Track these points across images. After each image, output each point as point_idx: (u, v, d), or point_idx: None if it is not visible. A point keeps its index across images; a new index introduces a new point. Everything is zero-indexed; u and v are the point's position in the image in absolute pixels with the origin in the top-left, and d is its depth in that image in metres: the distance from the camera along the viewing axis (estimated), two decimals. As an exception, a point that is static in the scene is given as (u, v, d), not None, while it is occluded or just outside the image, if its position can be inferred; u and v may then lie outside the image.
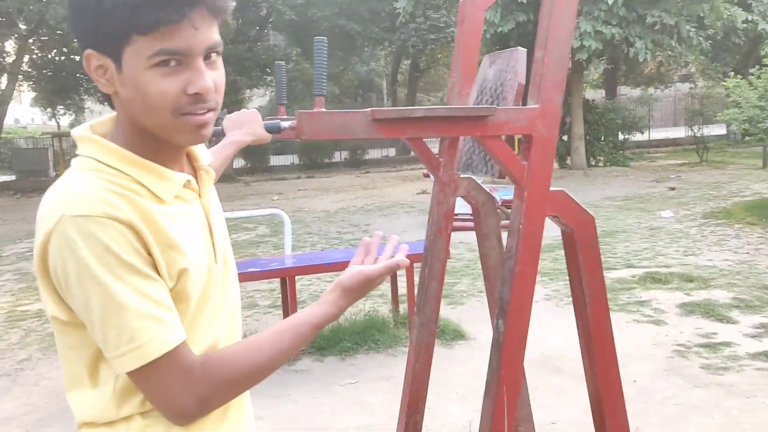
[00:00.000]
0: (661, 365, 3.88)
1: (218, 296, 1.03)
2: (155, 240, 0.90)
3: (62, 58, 22.09)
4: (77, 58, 22.23)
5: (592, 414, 2.29)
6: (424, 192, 13.55)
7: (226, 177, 20.80)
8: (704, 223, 8.54)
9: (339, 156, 24.39)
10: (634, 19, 12.28)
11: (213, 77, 0.94)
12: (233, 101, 21.21)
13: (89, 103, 25.90)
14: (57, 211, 0.87)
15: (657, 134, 25.93)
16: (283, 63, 2.17)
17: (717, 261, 6.42)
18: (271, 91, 28.94)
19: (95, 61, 0.92)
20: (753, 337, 4.23)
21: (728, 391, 3.45)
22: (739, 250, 6.88)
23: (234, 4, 0.97)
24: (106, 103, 0.99)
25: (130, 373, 0.89)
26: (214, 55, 0.95)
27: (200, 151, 1.10)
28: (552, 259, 6.88)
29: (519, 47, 2.14)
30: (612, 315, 5.09)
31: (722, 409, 3.26)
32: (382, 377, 3.89)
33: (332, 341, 4.33)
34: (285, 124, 1.73)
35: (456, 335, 4.57)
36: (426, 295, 2.66)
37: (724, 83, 10.38)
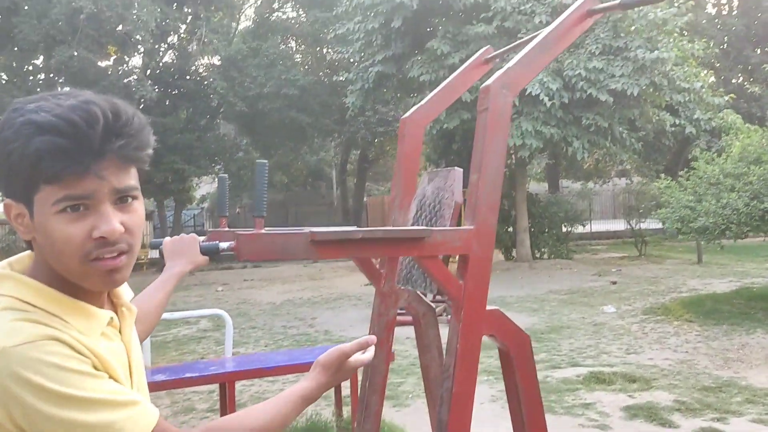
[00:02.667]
0: (606, 473, 3.82)
1: None
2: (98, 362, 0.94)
3: None
4: None
5: None
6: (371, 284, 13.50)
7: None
8: (645, 320, 8.72)
9: (287, 244, 24.20)
10: (571, 121, 12.98)
11: (123, 220, 0.96)
12: (180, 189, 21.09)
13: None
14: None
15: (598, 227, 26.89)
16: (225, 176, 2.17)
17: (658, 360, 6.52)
18: (221, 179, 28.90)
19: (14, 209, 0.97)
20: (694, 440, 4.24)
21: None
22: (679, 348, 7.02)
23: (150, 150, 0.99)
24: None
25: None
26: (129, 198, 0.97)
27: (122, 287, 1.10)
28: (498, 356, 6.86)
29: (456, 167, 2.21)
30: (558, 418, 5.02)
31: None
32: (322, 491, 3.69)
33: (271, 451, 4.12)
34: (224, 245, 1.71)
35: (401, 441, 4.43)
36: (366, 409, 2.58)
37: (656, 182, 10.92)
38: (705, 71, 14.97)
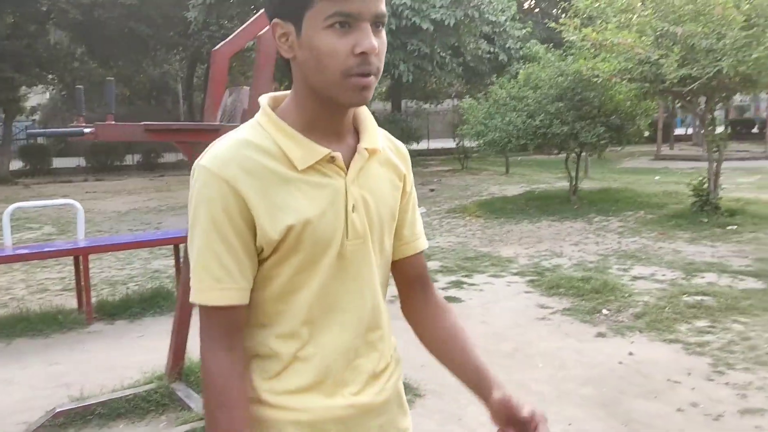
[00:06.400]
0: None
1: (340, 268, 1.10)
2: (260, 200, 1.03)
3: None
4: None
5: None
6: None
7: (2, 179, 19.63)
8: (445, 217, 10.60)
9: (131, 159, 24.03)
10: (398, 46, 14.38)
11: (376, 43, 1.02)
12: (10, 99, 20.07)
13: None
14: (199, 158, 1.07)
15: (436, 144, 29.25)
16: (112, 79, 3.13)
17: (443, 243, 8.30)
18: (52, 89, 27.56)
19: (280, 29, 1.05)
20: (443, 288, 5.94)
21: (404, 320, 5.01)
22: (461, 235, 8.89)
23: None
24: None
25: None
26: (381, 26, 1.04)
27: (367, 131, 1.15)
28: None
29: (246, 87, 3.37)
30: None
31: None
32: (165, 331, 4.86)
33: (122, 308, 5.23)
34: (87, 130, 2.77)
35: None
36: (186, 269, 3.77)
37: (462, 102, 12.71)
38: (513, 4, 16.87)
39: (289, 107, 1.10)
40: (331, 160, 1.08)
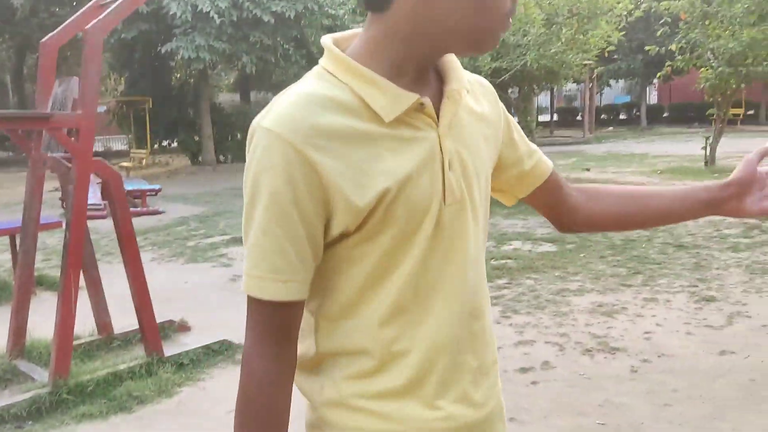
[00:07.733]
0: (223, 288, 5.73)
1: (437, 241, 0.90)
2: (342, 167, 0.83)
3: None
4: None
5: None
6: (57, 189, 13.68)
7: None
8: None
9: (-49, 157, 21.93)
10: (241, 38, 14.52)
11: None
12: None
13: None
14: (257, 116, 0.87)
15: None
16: None
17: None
18: None
19: None
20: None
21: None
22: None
23: None
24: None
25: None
26: None
27: (455, 71, 0.95)
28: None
29: (75, 77, 3.60)
30: (198, 265, 6.87)
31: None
32: (3, 320, 4.89)
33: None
34: None
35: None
36: (23, 255, 3.92)
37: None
38: None
39: (367, 50, 0.87)
40: (420, 107, 0.88)
